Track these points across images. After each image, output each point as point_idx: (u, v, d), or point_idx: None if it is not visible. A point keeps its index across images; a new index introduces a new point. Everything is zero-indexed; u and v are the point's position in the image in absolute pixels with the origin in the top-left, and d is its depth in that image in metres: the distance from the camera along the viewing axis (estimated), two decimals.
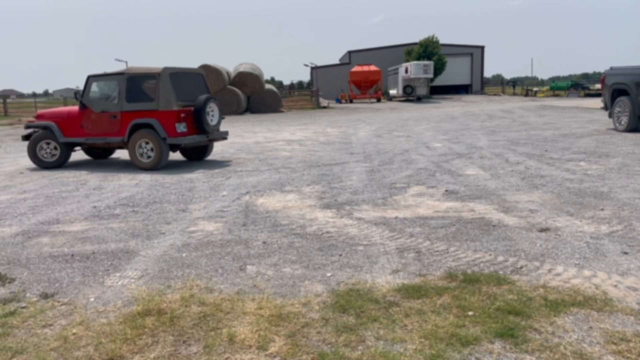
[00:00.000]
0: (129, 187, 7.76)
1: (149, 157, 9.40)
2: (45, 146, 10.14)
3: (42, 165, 10.13)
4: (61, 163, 10.19)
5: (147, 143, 9.36)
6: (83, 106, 9.89)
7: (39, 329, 3.18)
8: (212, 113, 9.84)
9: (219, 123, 10.03)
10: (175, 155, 10.94)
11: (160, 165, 9.35)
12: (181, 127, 9.32)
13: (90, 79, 9.95)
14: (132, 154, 9.52)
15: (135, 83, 9.55)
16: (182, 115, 9.31)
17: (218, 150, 12.18)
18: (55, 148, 10.13)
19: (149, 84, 9.48)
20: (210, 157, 10.90)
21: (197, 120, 9.54)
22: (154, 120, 9.31)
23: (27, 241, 5.06)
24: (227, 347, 2.85)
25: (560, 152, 9.70)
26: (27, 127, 10.48)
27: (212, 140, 10.30)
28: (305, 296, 3.51)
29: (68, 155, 10.34)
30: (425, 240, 4.62)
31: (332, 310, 3.25)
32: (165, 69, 9.35)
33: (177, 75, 9.58)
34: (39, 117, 10.43)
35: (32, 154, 10.16)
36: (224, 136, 10.63)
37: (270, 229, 5.17)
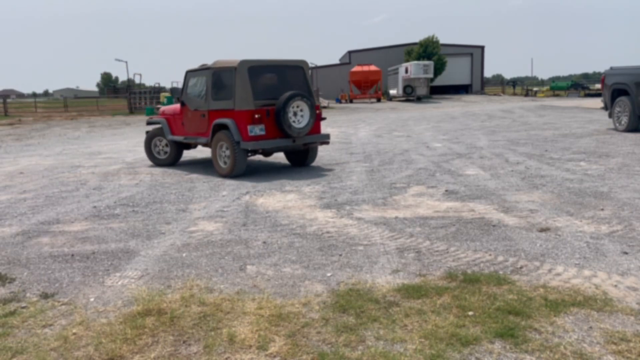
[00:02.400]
0: (129, 187, 7.77)
1: (225, 162, 8.35)
2: (158, 143, 9.96)
3: (155, 162, 9.97)
4: (172, 162, 9.87)
5: (226, 147, 8.26)
6: (182, 104, 9.34)
7: (39, 329, 3.18)
8: (301, 113, 8.31)
9: (309, 125, 8.35)
10: (277, 158, 10.08)
11: (234, 173, 8.17)
12: (256, 130, 8.01)
13: (187, 74, 9.26)
14: (213, 157, 8.57)
15: (218, 79, 8.52)
16: (257, 116, 8.00)
17: None
18: (167, 146, 9.85)
19: (230, 80, 8.32)
20: (207, 156, 10.85)
21: (277, 121, 8.15)
22: (230, 120, 8.13)
23: (27, 241, 5.06)
24: (227, 347, 2.85)
25: (560, 152, 9.70)
26: (148, 123, 10.21)
27: (306, 145, 8.72)
28: (305, 296, 3.51)
29: (179, 155, 10.00)
30: (425, 240, 4.62)
31: (332, 310, 3.25)
32: (243, 63, 8.13)
33: (261, 69, 8.36)
34: (160, 113, 10.14)
35: (148, 150, 10.05)
36: (323, 140, 8.87)
37: (270, 229, 5.17)
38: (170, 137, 9.62)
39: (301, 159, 9.23)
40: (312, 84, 8.81)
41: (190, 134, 9.25)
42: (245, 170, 8.31)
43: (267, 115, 8.14)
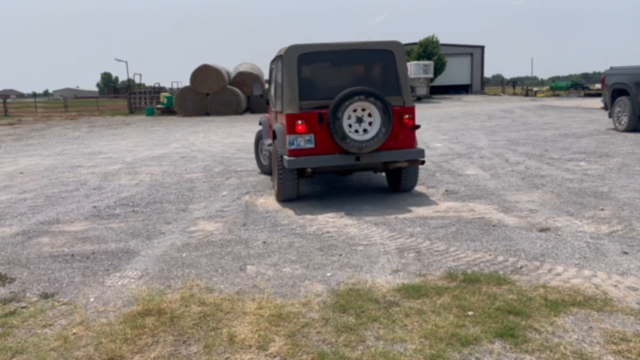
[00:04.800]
0: (129, 187, 7.77)
1: None
2: (262, 148, 8.29)
3: (261, 169, 8.45)
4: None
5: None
6: (267, 102, 7.89)
7: (39, 329, 3.18)
8: (369, 119, 5.86)
9: (379, 136, 5.82)
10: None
11: (280, 197, 6.29)
12: (299, 142, 5.86)
13: (271, 64, 7.52)
14: (272, 171, 6.82)
15: (277, 71, 6.73)
16: (300, 122, 5.83)
17: (218, 150, 12.18)
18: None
19: (281, 73, 6.36)
20: (207, 159, 10.86)
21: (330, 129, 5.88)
22: (279, 127, 6.29)
23: (27, 241, 5.06)
24: (227, 347, 2.85)
25: (560, 152, 9.70)
26: (260, 123, 8.41)
27: (388, 165, 6.13)
28: (305, 296, 3.51)
29: None
30: (425, 240, 4.62)
31: (332, 310, 3.25)
32: (292, 50, 6.02)
33: (321, 57, 6.26)
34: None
35: (256, 154, 8.50)
36: (412, 158, 6.06)
37: (270, 229, 5.17)
38: (264, 140, 7.95)
39: (393, 183, 6.71)
40: (407, 77, 6.22)
41: (271, 139, 7.35)
42: (296, 195, 6.36)
43: (319, 121, 5.87)
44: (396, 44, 6.22)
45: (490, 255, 4.18)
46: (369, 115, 5.86)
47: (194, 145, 13.36)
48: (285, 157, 5.89)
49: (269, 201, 6.44)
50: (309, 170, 5.92)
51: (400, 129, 6.05)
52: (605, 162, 8.30)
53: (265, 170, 8.36)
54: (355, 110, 5.83)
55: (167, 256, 4.46)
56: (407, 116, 6.08)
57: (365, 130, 5.87)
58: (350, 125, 5.84)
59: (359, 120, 5.86)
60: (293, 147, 5.89)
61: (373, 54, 6.25)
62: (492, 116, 20.33)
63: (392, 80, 6.18)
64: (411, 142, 6.16)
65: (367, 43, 6.26)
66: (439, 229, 4.97)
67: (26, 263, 4.41)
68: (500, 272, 3.80)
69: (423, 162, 6.19)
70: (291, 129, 5.86)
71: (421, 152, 6.11)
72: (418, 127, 6.19)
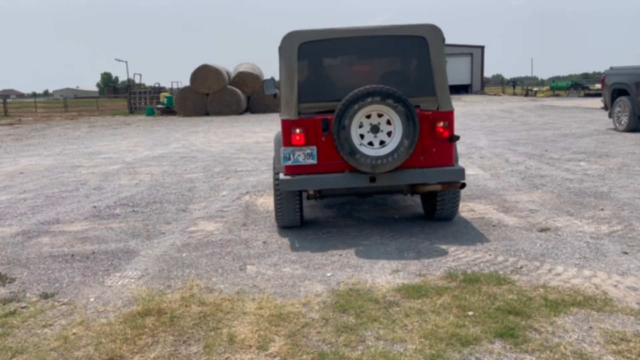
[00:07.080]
0: (129, 187, 7.77)
1: None
2: None
3: None
4: None
5: None
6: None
7: (39, 329, 3.18)
8: (387, 127, 4.51)
9: (401, 151, 4.43)
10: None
11: (279, 223, 5.19)
12: (296, 156, 4.61)
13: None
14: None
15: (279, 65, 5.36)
16: (298, 131, 4.60)
17: (217, 150, 12.18)
18: None
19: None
20: (207, 160, 10.85)
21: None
22: (277, 135, 5.22)
23: (27, 241, 5.06)
24: (227, 347, 2.85)
25: (560, 152, 9.70)
26: None
27: (416, 188, 4.82)
28: (305, 296, 3.51)
29: None
30: (425, 240, 4.62)
31: (332, 310, 3.25)
32: (291, 36, 4.72)
33: (329, 47, 4.85)
34: None
35: None
36: (447, 180, 4.65)
37: (270, 229, 5.17)
38: None
39: (427, 208, 5.43)
40: (444, 73, 4.77)
41: None
42: (300, 222, 5.22)
43: (323, 129, 4.62)
44: (431, 28, 4.76)
45: (490, 255, 4.19)
46: (388, 122, 4.49)
47: (193, 146, 13.36)
48: (280, 175, 4.72)
49: (269, 201, 6.44)
50: (311, 192, 4.80)
51: (432, 141, 4.67)
52: (605, 162, 8.30)
53: None
54: (368, 117, 4.48)
55: (167, 256, 4.46)
56: (441, 124, 4.64)
57: (382, 143, 4.51)
58: (362, 136, 4.51)
59: (375, 129, 4.52)
60: (289, 162, 4.65)
61: (399, 41, 4.84)
62: (492, 116, 20.33)
63: (424, 77, 4.78)
64: (447, 158, 4.73)
65: (392, 27, 4.81)
66: (439, 229, 4.97)
67: (26, 263, 4.41)
68: (500, 272, 3.80)
69: (463, 186, 4.73)
70: (287, 139, 4.64)
71: (460, 172, 4.66)
72: (457, 138, 4.74)
